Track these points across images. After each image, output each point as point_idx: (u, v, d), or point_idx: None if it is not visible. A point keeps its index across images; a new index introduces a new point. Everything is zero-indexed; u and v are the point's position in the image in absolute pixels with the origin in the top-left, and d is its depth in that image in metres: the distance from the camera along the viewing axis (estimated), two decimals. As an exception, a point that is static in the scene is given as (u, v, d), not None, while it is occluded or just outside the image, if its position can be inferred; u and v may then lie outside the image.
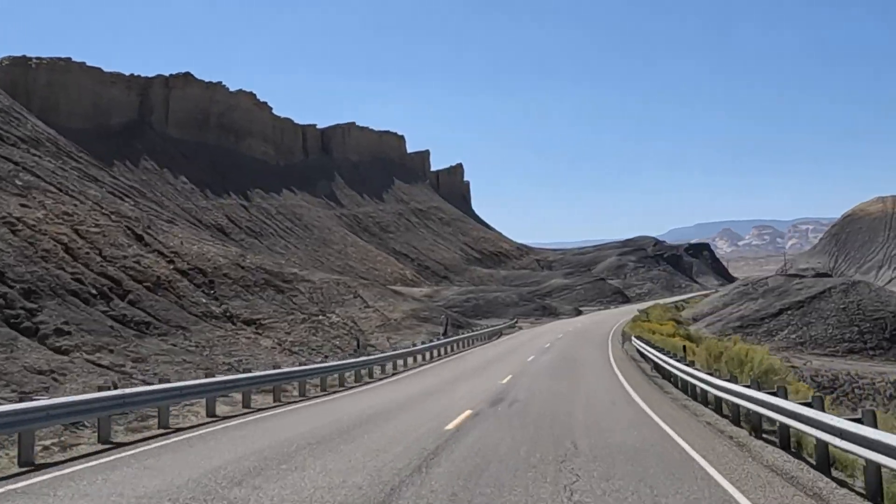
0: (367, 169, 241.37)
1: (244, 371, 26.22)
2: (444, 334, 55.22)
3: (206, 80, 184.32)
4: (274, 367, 30.65)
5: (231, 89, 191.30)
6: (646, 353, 34.29)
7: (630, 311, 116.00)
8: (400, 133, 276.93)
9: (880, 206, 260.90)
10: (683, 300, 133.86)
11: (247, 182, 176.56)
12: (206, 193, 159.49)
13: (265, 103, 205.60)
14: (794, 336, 52.70)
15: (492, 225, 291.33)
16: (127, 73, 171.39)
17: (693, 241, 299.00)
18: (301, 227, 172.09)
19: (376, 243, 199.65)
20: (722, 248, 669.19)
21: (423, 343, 45.01)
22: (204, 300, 53.35)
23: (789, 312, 55.45)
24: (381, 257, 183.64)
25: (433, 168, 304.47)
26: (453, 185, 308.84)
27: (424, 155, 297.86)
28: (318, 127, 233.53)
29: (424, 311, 62.05)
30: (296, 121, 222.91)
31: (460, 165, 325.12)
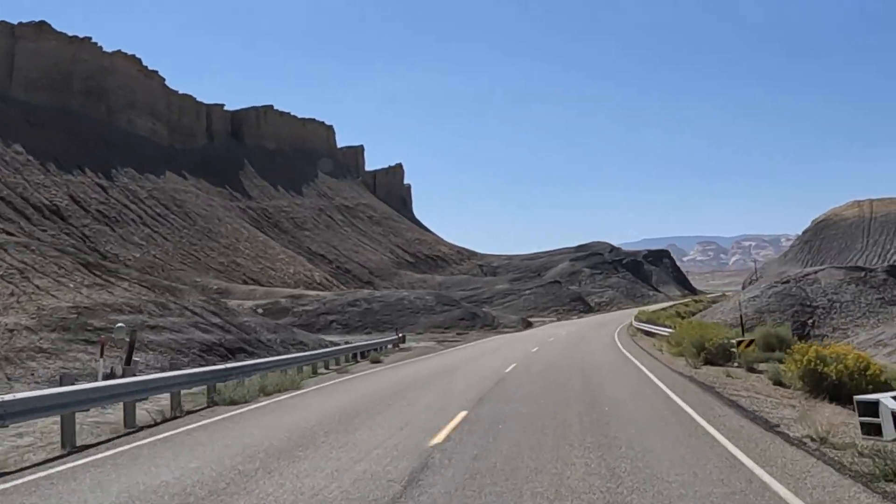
0: (287, 159, 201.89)
1: None
2: (124, 369, 16.60)
3: (69, 33, 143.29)
4: None
5: (105, 49, 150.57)
6: None
7: (603, 322, 79.23)
8: (329, 123, 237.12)
9: (856, 211, 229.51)
10: (666, 308, 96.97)
11: (117, 160, 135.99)
12: (49, 168, 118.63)
13: (155, 72, 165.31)
14: None
15: (436, 232, 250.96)
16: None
17: (652, 249, 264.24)
18: (180, 216, 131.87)
19: (286, 241, 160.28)
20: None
21: None
22: None
23: None
24: (286, 256, 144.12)
25: (372, 167, 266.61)
26: (392, 187, 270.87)
27: (358, 150, 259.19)
28: (226, 108, 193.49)
29: (110, 311, 24.03)
30: (198, 98, 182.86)
31: (400, 166, 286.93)
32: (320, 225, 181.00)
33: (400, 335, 44.41)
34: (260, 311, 57.71)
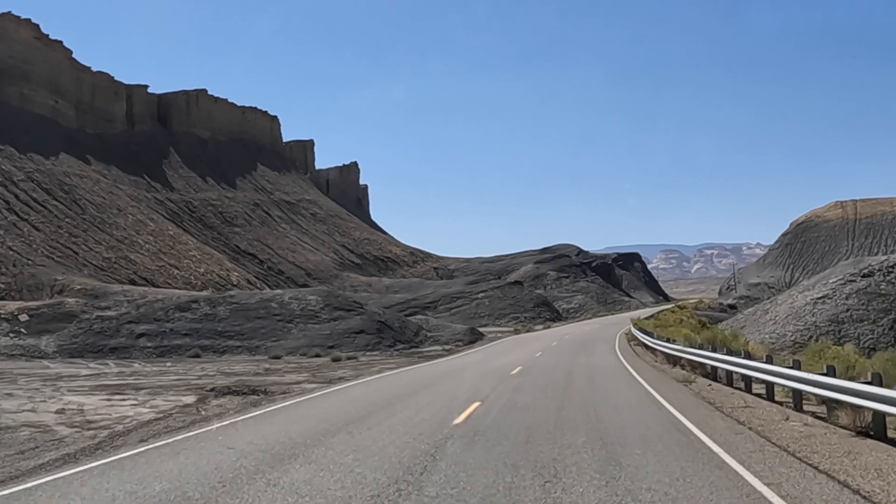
0: (221, 149, 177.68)
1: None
2: None
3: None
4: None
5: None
6: None
7: (585, 336, 57.16)
8: (273, 113, 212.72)
9: (839, 213, 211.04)
10: (656, 314, 75.16)
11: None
12: None
13: (58, 43, 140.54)
14: None
15: (395, 235, 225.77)
16: None
17: (622, 252, 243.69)
18: (66, 203, 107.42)
19: (209, 237, 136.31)
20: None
21: None
22: None
23: None
24: (201, 253, 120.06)
25: (325, 166, 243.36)
26: (347, 186, 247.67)
27: (307, 145, 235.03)
28: (151, 91, 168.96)
29: None
30: (117, 77, 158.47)
31: (355, 164, 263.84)
32: (254, 221, 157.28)
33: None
34: (24, 317, 34.93)
